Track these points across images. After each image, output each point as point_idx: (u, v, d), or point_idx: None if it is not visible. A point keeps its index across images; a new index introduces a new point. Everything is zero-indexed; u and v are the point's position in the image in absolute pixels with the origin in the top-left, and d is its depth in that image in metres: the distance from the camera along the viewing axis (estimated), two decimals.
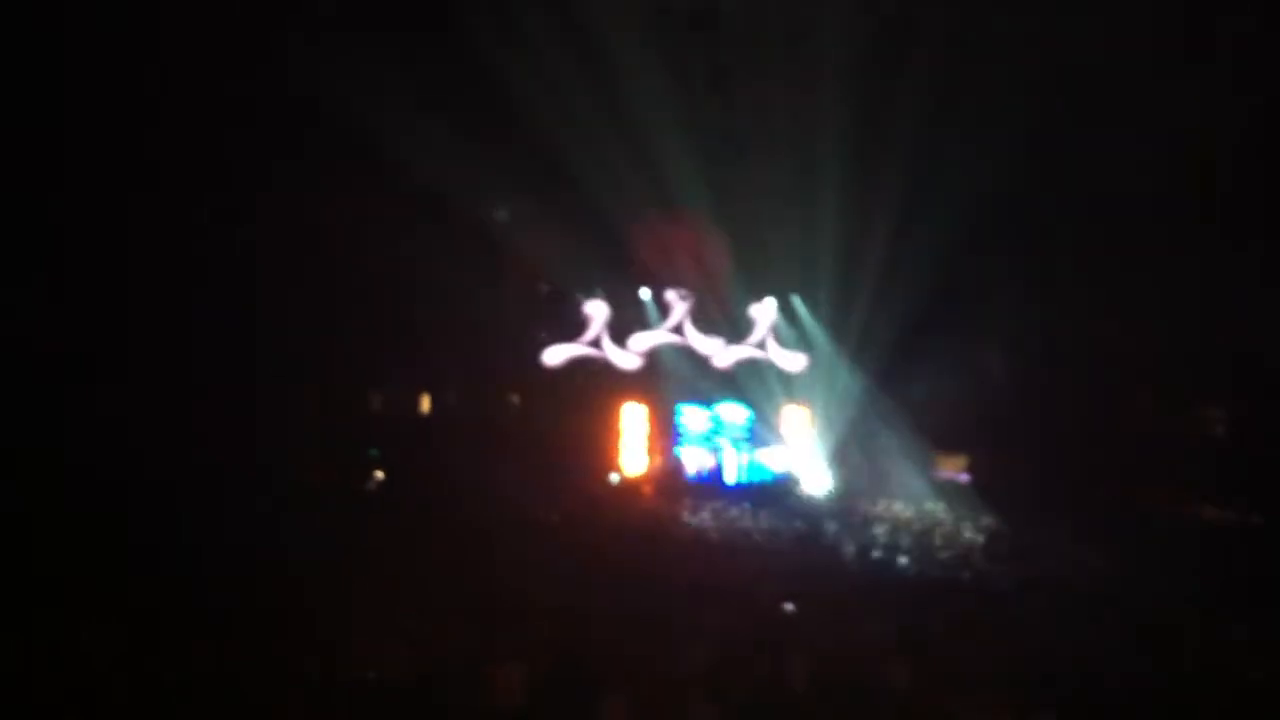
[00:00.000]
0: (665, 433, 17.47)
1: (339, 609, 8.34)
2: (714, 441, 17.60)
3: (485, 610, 8.49)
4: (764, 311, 17.98)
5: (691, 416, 17.59)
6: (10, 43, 12.40)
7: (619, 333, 17.62)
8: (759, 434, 17.70)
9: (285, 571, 9.33)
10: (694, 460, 17.55)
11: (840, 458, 17.58)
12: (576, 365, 17.43)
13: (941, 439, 17.00)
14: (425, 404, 17.27)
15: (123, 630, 7.49)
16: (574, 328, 17.46)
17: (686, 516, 14.74)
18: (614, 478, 17.05)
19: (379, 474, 15.79)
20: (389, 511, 13.63)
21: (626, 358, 17.54)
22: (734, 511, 15.16)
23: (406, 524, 12.43)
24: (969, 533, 13.97)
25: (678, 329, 17.80)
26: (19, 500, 10.91)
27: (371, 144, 13.86)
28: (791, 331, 18.05)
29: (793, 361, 18.02)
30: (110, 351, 13.35)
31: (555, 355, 17.31)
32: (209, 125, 13.64)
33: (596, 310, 17.51)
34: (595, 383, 17.47)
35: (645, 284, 17.73)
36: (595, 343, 17.49)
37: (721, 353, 17.87)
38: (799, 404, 17.90)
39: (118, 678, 6.75)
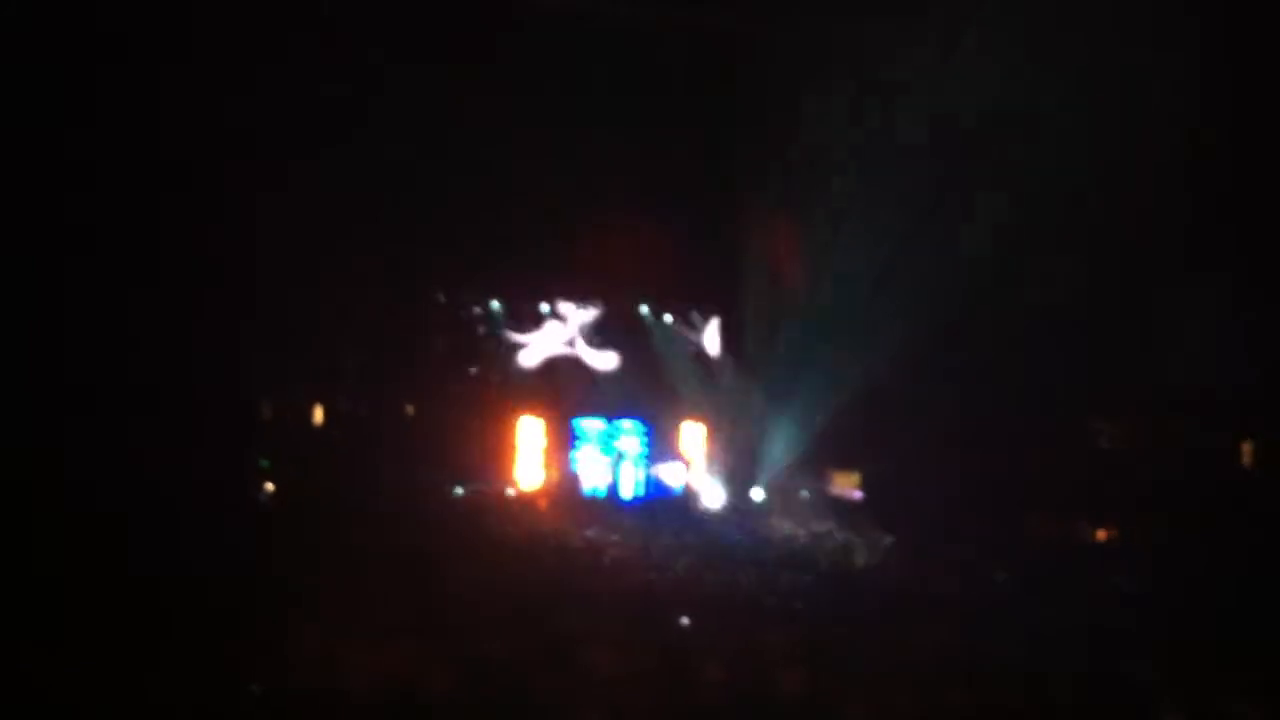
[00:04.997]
0: (562, 446, 17.36)
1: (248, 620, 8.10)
2: (610, 456, 17.56)
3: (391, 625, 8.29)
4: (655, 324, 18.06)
5: (588, 430, 17.51)
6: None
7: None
8: (656, 449, 17.74)
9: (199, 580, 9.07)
10: (590, 474, 17.46)
11: (736, 473, 17.71)
12: (473, 378, 17.16)
13: (836, 456, 17.29)
14: (318, 414, 16.78)
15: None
16: (473, 340, 17.21)
17: (583, 530, 14.63)
18: (510, 491, 16.83)
19: (269, 485, 15.31)
20: (282, 522, 13.25)
21: (521, 374, 17.35)
22: (630, 526, 15.10)
23: (301, 536, 12.07)
24: (860, 549, 14.25)
25: (572, 341, 17.72)
26: None
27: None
28: (690, 347, 18.17)
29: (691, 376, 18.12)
30: None
31: (448, 369, 17.02)
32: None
33: (494, 323, 17.28)
34: (492, 394, 17.24)
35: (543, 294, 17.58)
36: (492, 358, 17.27)
37: (614, 368, 17.86)
38: (697, 419, 18.00)
39: None
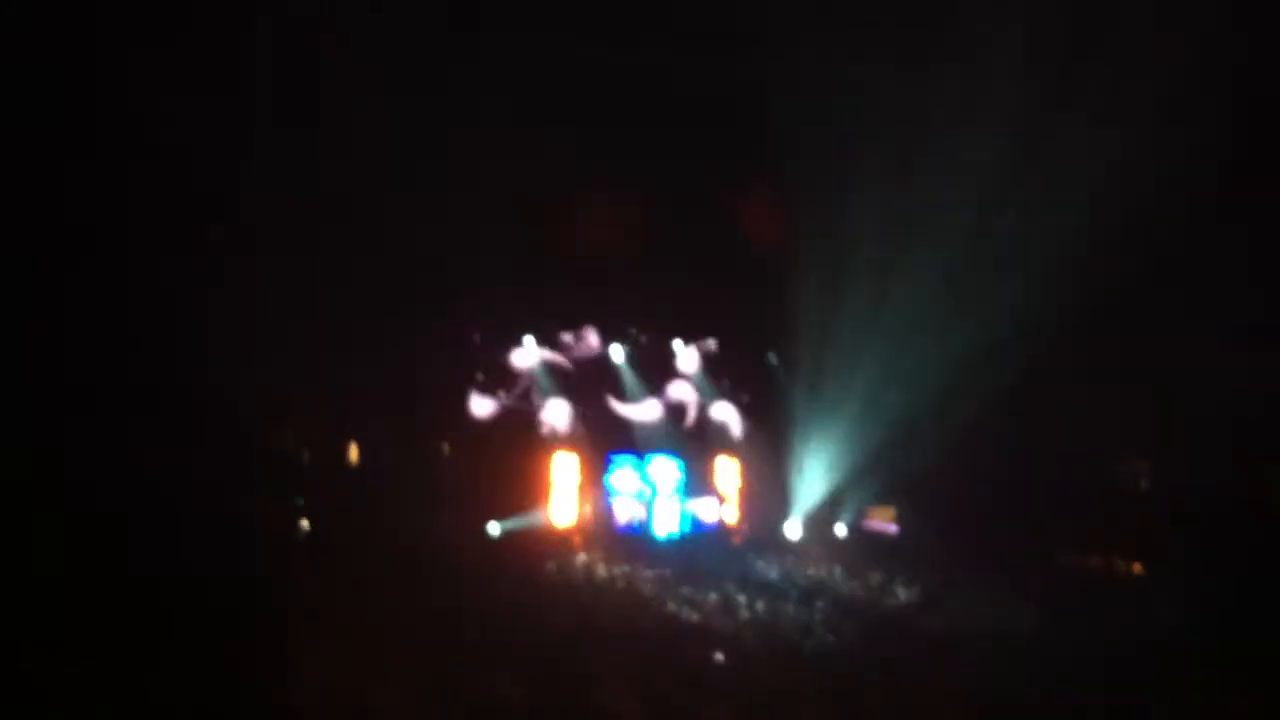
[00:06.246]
0: (596, 483, 17.24)
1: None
2: (644, 492, 17.48)
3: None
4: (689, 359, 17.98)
5: (622, 467, 17.44)
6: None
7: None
8: (691, 485, 17.67)
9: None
10: (624, 511, 17.38)
11: (771, 509, 17.64)
12: (506, 415, 17.11)
13: (873, 490, 17.23)
14: (353, 453, 16.68)
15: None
16: (506, 378, 17.14)
17: (618, 568, 14.64)
18: (543, 527, 16.71)
19: (304, 523, 15.24)
20: (319, 559, 13.22)
21: (556, 410, 17.33)
22: (665, 562, 15.08)
23: (339, 572, 12.01)
24: (898, 584, 14.17)
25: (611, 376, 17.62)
26: None
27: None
28: (721, 381, 18.11)
29: (725, 411, 18.04)
30: None
31: (482, 407, 16.98)
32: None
33: (526, 360, 17.23)
34: (525, 432, 17.15)
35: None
36: (525, 394, 17.23)
37: (649, 404, 17.80)
38: (731, 455, 17.94)
39: None
